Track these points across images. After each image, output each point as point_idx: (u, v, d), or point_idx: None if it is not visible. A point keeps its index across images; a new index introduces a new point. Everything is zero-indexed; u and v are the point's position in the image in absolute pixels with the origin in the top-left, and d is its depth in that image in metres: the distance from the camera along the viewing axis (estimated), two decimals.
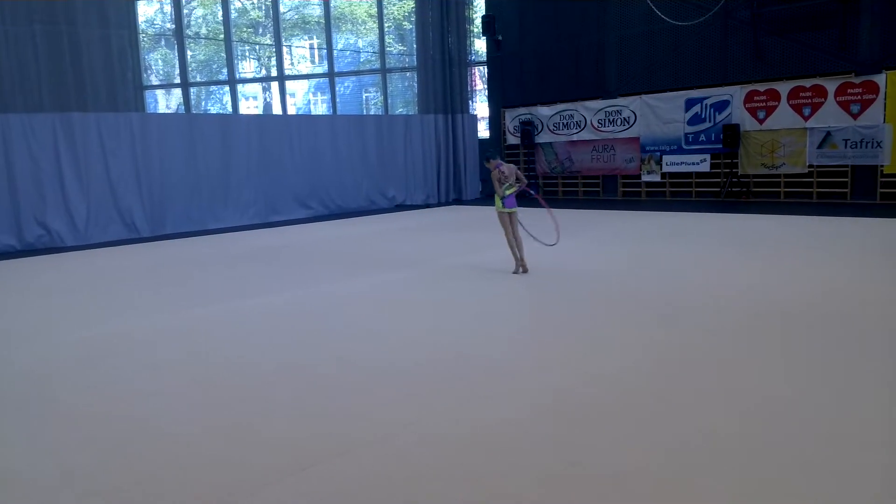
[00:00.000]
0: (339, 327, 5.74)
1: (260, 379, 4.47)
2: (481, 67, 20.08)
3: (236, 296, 7.16)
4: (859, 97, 13.15)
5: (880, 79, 12.88)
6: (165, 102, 23.01)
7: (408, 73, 20.83)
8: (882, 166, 13.09)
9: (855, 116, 13.23)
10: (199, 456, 3.33)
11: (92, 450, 3.45)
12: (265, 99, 23.08)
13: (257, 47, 22.61)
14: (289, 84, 22.12)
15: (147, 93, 22.21)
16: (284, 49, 21.44)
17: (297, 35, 22.41)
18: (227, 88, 21.89)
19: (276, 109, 21.78)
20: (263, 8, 21.95)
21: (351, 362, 4.73)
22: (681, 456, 3.12)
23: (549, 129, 17.84)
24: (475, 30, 19.07)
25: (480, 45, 19.68)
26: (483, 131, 19.99)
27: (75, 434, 3.66)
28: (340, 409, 3.86)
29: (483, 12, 18.73)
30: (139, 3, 21.57)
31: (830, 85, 13.44)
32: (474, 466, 3.10)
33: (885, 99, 12.86)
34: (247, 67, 23.36)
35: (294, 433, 3.54)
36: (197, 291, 7.58)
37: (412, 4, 19.30)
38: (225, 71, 21.62)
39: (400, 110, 21.18)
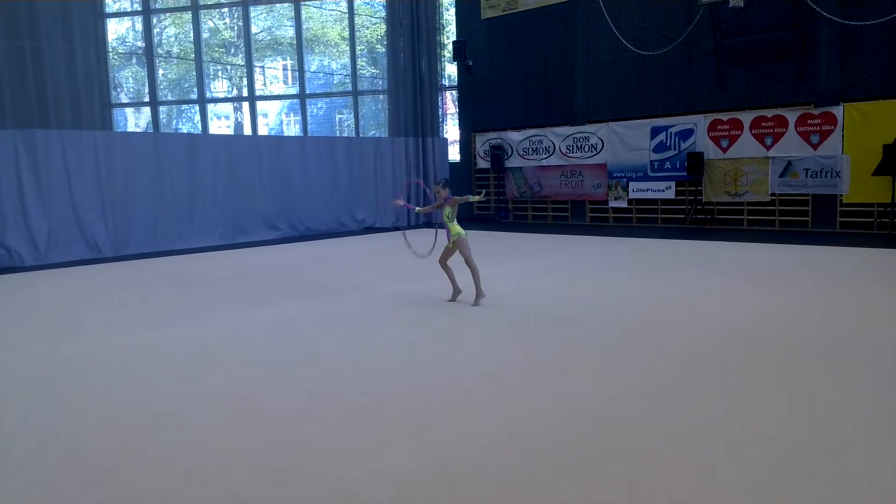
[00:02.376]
0: (284, 353, 5.65)
1: (196, 409, 4.35)
2: (453, 92, 20.24)
3: (182, 320, 7.04)
4: (818, 128, 13.50)
5: (838, 110, 13.24)
6: (135, 121, 22.78)
7: (380, 96, 20.91)
8: (841, 195, 13.41)
9: (815, 146, 13.56)
10: (132, 491, 3.24)
11: (18, 480, 3.34)
12: (237, 119, 22.97)
13: (229, 67, 22.55)
14: (261, 104, 22.06)
15: (117, 111, 21.98)
16: (257, 69, 21.42)
17: (270, 56, 22.40)
18: (197, 108, 21.76)
19: (248, 129, 21.69)
20: (235, 28, 21.93)
21: (294, 391, 4.66)
22: (632, 490, 3.11)
23: (519, 154, 18.00)
24: (446, 55, 19.26)
25: (452, 70, 19.86)
26: (454, 155, 20.10)
27: (4, 467, 3.54)
28: (284, 441, 3.77)
29: (454, 38, 18.94)
30: (110, 20, 21.44)
31: (791, 115, 13.77)
32: (418, 500, 3.05)
33: (843, 130, 13.21)
34: (219, 87, 23.25)
35: (233, 465, 3.45)
36: (143, 315, 7.44)
37: (384, 28, 19.44)
38: (196, 90, 21.51)
39: (372, 132, 21.21)
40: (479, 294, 7.28)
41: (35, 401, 4.57)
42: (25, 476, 3.39)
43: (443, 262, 7.54)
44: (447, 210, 7.38)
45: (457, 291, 7.53)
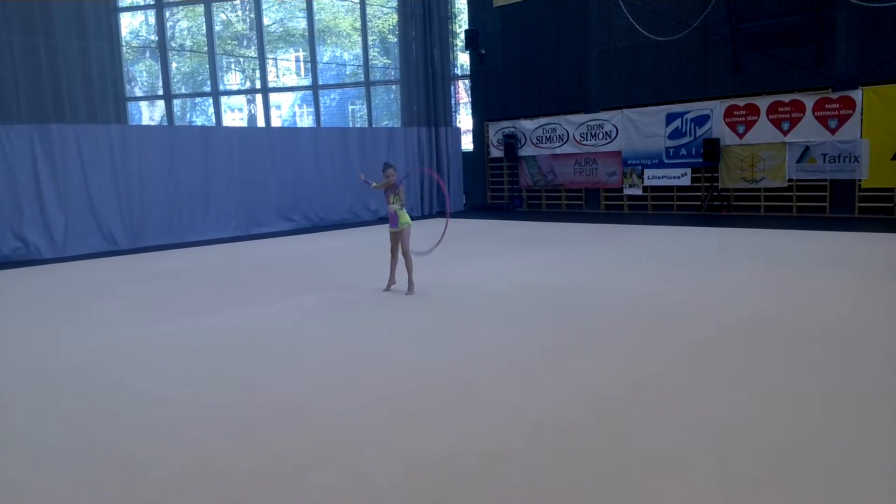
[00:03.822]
0: (298, 344, 5.67)
1: (212, 399, 4.37)
2: (465, 81, 20.15)
3: (197, 311, 7.08)
4: (837, 112, 13.29)
5: (856, 94, 13.02)
6: (150, 114, 22.92)
7: (392, 86, 20.87)
8: (860, 181, 13.21)
9: (833, 131, 13.36)
10: (150, 481, 3.26)
11: (38, 472, 3.37)
12: (250, 111, 23.05)
13: (242, 60, 22.60)
14: (275, 96, 22.09)
15: (131, 104, 22.10)
16: (269, 61, 21.44)
17: (282, 48, 22.43)
18: (211, 100, 21.85)
19: (261, 121, 21.75)
20: (248, 21, 21.96)
21: (309, 381, 4.67)
22: (643, 474, 3.09)
23: (533, 143, 17.90)
24: (459, 44, 19.16)
25: (464, 59, 19.76)
26: (467, 144, 20.03)
27: (24, 457, 3.58)
28: (290, 430, 3.78)
29: (466, 26, 18.83)
30: (123, 14, 21.52)
31: (808, 100, 13.57)
32: (432, 488, 3.05)
33: (862, 114, 13.00)
34: (232, 79, 23.33)
35: (249, 455, 3.47)
36: (158, 307, 7.49)
37: (396, 18, 19.37)
38: (210, 83, 21.59)
39: (385, 123, 21.19)
40: (411, 285, 7.52)
41: (53, 392, 4.62)
42: (44, 466, 3.42)
43: (393, 250, 7.66)
44: (392, 197, 7.49)
45: (391, 282, 7.75)
